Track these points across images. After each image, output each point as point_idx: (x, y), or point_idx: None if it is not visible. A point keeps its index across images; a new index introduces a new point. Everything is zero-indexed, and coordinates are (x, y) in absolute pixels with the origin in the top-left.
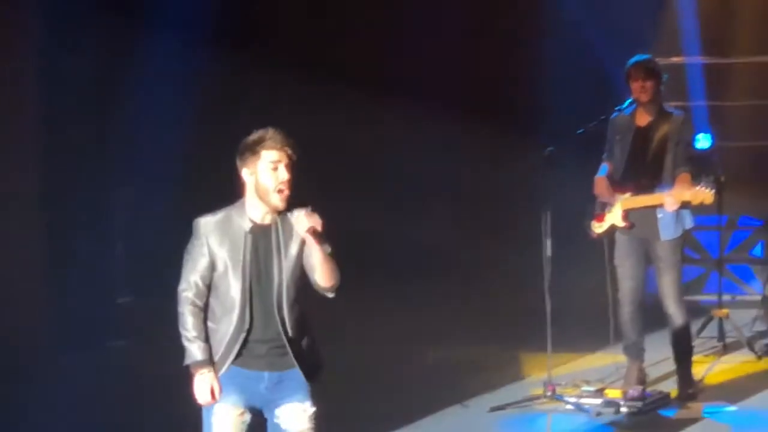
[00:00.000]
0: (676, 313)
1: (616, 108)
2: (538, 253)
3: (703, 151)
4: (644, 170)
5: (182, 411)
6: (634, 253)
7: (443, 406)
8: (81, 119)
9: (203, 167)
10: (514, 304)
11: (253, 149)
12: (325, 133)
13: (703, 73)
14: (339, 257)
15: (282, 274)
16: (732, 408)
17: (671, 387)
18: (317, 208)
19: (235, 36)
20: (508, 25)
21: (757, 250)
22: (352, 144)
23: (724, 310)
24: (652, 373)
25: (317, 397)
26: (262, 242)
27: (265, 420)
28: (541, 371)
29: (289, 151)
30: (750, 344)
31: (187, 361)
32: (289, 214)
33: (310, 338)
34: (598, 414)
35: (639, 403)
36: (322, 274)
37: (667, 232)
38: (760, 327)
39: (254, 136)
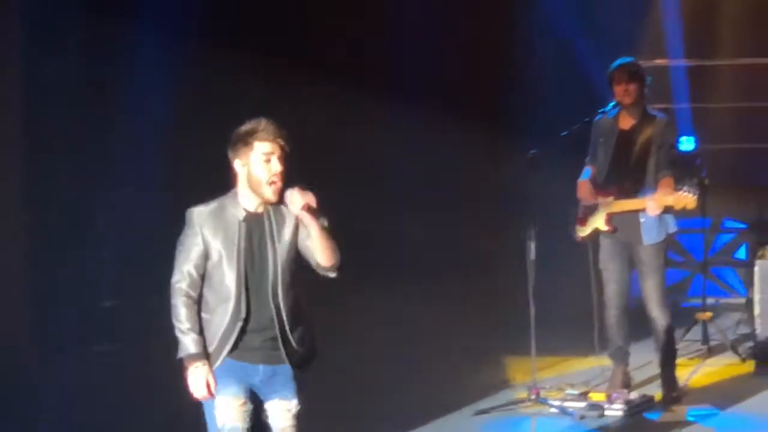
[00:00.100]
0: (659, 317)
1: (600, 111)
2: (523, 256)
3: (686, 153)
4: (627, 173)
5: (171, 413)
6: (618, 257)
7: (428, 409)
8: (65, 121)
9: (189, 169)
10: (498, 308)
11: (246, 140)
12: (322, 132)
13: (686, 75)
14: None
15: (277, 259)
16: (716, 411)
17: (656, 390)
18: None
19: (227, 36)
20: (495, 29)
21: (741, 253)
22: (341, 142)
23: (708, 313)
24: (637, 376)
25: (316, 397)
26: (256, 230)
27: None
28: (526, 375)
29: (282, 143)
30: (734, 347)
31: (180, 354)
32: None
33: (305, 326)
34: (582, 417)
35: (623, 407)
36: (322, 253)
37: (650, 236)
38: (744, 330)
39: (246, 126)
